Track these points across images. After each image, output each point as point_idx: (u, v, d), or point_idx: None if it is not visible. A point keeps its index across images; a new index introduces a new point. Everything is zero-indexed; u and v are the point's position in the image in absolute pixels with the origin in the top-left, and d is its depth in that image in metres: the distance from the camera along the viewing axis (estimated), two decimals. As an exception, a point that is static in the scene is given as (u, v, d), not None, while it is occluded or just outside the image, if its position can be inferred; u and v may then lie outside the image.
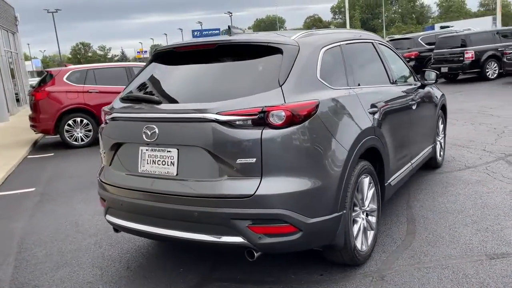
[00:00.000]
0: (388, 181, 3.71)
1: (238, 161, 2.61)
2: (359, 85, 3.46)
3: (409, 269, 3.13)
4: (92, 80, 9.37)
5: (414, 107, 4.35)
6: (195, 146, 2.73)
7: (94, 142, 9.50)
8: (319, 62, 3.04)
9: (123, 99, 3.23)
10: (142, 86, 3.30)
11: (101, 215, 4.80)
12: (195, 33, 76.40)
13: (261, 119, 2.60)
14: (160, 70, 3.36)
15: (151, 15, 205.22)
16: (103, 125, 3.36)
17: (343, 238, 2.93)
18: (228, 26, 3.40)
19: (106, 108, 3.35)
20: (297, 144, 2.63)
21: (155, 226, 2.92)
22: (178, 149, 2.81)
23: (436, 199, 4.50)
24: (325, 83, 3.00)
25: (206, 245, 2.85)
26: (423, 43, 17.59)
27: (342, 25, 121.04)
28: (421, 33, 20.86)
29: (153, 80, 3.31)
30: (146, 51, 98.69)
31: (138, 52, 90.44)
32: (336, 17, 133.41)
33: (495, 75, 14.99)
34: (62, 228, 4.52)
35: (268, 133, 2.58)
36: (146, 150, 2.95)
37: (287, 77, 2.77)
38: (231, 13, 63.04)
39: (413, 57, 17.11)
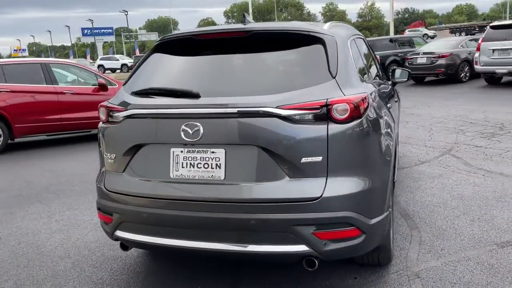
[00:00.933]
0: (395, 178, 3.71)
1: (303, 160, 2.35)
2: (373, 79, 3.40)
3: (436, 264, 3.14)
4: (0, 78, 8.10)
5: (396, 104, 4.45)
6: (249, 145, 2.40)
7: (7, 149, 8.23)
8: (351, 54, 2.90)
9: (140, 93, 2.73)
10: (160, 79, 2.83)
11: (61, 232, 4.12)
12: (85, 31, 71.77)
13: (324, 113, 2.37)
14: (174, 61, 2.92)
15: (28, 10, 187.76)
16: (105, 124, 2.81)
17: (388, 238, 2.82)
18: (243, 14, 3.09)
19: (109, 103, 2.81)
20: (359, 140, 2.46)
21: (190, 239, 2.52)
22: (225, 149, 2.45)
23: (414, 193, 4.64)
24: (360, 76, 2.87)
25: (258, 257, 2.53)
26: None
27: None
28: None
29: (171, 72, 2.87)
30: (25, 49, 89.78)
31: (15, 50, 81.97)
32: (230, 21, 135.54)
33: (397, 78, 16.32)
34: (19, 252, 3.74)
35: (333, 128, 2.36)
36: (181, 151, 2.53)
37: (337, 68, 2.57)
38: (126, 11, 60.26)
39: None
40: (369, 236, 2.51)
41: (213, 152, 2.47)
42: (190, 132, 2.46)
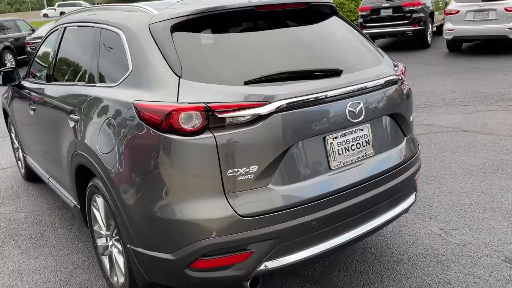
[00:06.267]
0: None
1: (411, 118, 2.59)
2: None
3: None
4: None
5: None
6: (384, 115, 2.41)
7: None
8: None
9: (255, 82, 2.03)
10: (251, 60, 2.23)
11: None
12: None
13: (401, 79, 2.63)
14: (234, 38, 2.35)
15: None
16: (208, 133, 1.93)
17: None
18: None
19: (209, 103, 1.92)
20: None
21: (352, 228, 2.25)
22: (369, 124, 2.34)
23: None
24: None
25: (392, 221, 2.50)
26: None
27: None
28: None
29: (251, 51, 2.28)
30: None
31: None
32: None
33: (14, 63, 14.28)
34: None
35: (409, 91, 2.65)
36: (334, 138, 2.20)
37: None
38: None
39: None
40: None
41: (361, 130, 2.31)
42: (355, 111, 2.21)
